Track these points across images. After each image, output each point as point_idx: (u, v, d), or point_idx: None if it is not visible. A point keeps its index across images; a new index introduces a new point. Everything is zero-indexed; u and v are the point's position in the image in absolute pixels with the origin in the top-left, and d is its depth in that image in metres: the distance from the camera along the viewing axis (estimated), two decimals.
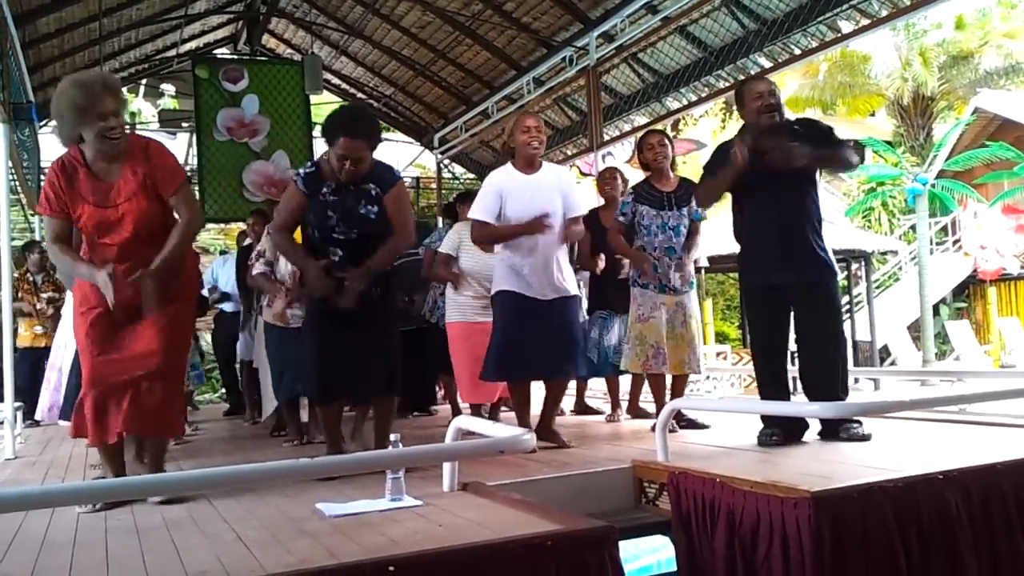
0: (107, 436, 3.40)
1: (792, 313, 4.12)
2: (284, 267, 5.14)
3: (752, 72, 7.70)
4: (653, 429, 4.53)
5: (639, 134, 7.21)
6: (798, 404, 3.91)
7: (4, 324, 5.46)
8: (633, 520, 3.47)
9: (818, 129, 4.08)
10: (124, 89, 3.47)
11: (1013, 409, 4.35)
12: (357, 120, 3.90)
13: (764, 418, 4.09)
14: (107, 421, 3.37)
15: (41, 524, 3.03)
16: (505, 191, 4.38)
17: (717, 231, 9.62)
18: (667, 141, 5.06)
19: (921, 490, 2.86)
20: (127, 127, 3.60)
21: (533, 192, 4.37)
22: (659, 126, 8.68)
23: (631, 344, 4.93)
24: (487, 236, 4.48)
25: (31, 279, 8.15)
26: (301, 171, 4.03)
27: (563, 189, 4.48)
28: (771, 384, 4.13)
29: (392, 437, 3.12)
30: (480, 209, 4.41)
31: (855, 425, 3.93)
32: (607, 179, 5.84)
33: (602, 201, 5.88)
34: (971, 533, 2.87)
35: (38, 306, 8.06)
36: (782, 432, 3.95)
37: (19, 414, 6.12)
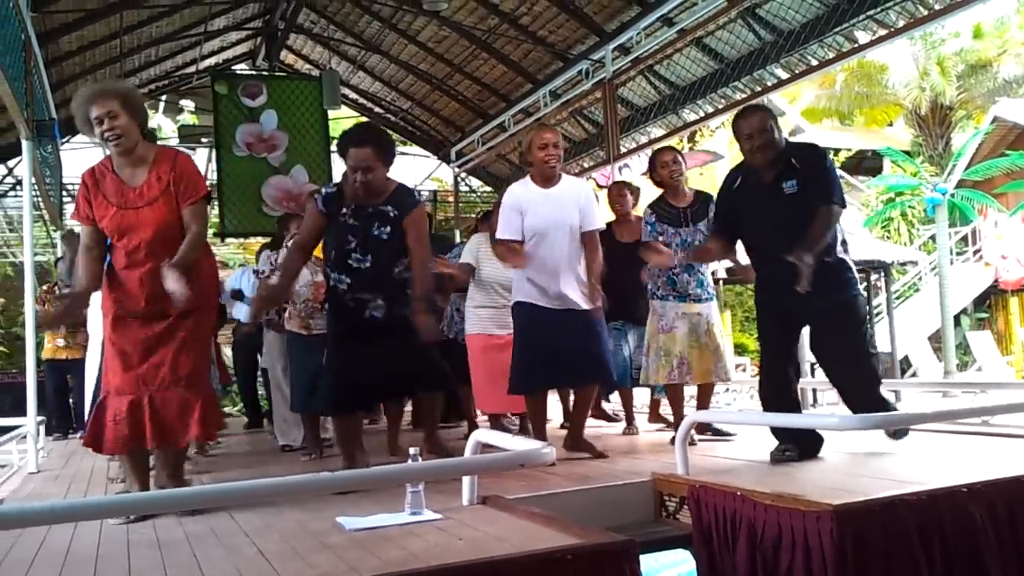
0: (124, 447, 3.44)
1: (810, 330, 4.11)
2: (304, 276, 5.18)
3: (769, 83, 7.69)
4: (672, 441, 4.54)
5: (653, 148, 7.20)
6: (818, 416, 3.88)
7: (29, 339, 5.50)
8: (653, 534, 3.45)
9: (814, 166, 3.92)
10: (142, 96, 3.52)
11: None
12: (362, 130, 4.06)
13: (777, 435, 4.00)
14: (125, 432, 3.40)
15: (64, 538, 3.05)
16: (523, 205, 4.41)
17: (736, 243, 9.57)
18: (680, 158, 5.03)
19: (944, 503, 2.83)
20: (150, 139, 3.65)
21: (551, 206, 4.40)
22: (675, 138, 8.68)
23: (653, 356, 4.88)
24: (512, 263, 4.47)
25: (57, 291, 8.24)
26: (322, 191, 4.10)
27: (580, 203, 4.49)
28: (774, 399, 4.04)
29: (411, 451, 3.12)
30: (503, 228, 4.44)
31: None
32: (616, 195, 5.84)
33: (613, 216, 5.88)
34: (997, 546, 2.84)
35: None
36: (796, 448, 3.88)
37: (42, 428, 6.16)
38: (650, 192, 5.33)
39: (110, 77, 10.27)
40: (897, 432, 4.00)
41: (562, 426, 5.62)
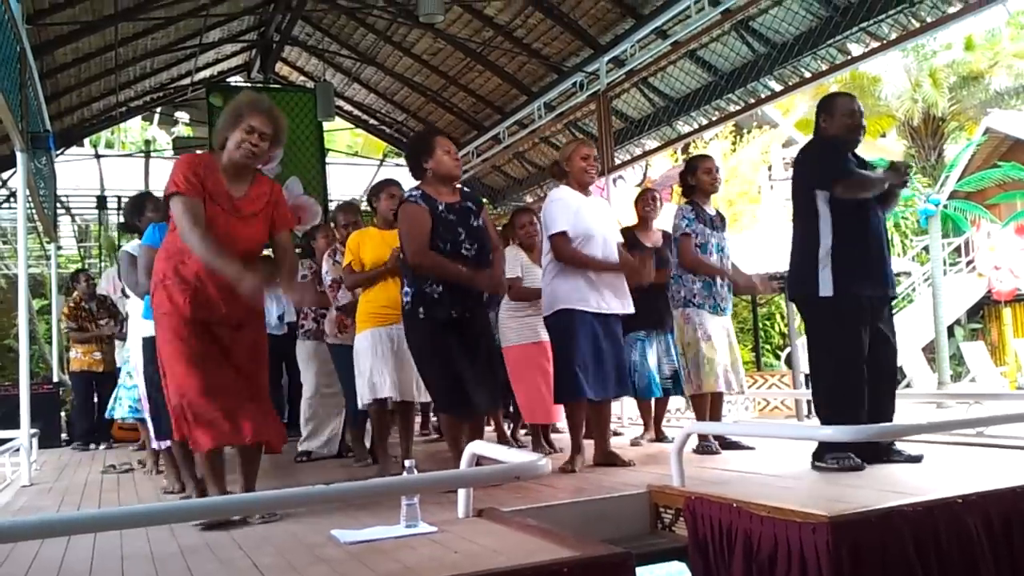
0: (225, 440, 3.45)
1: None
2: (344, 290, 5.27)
3: (763, 95, 7.72)
4: (695, 451, 4.62)
5: (645, 161, 7.24)
6: (810, 428, 3.86)
7: (22, 351, 5.49)
8: (649, 546, 3.44)
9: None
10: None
11: None
12: (434, 126, 4.18)
13: (831, 443, 3.86)
14: (224, 427, 3.39)
15: (57, 552, 3.03)
16: (577, 210, 4.51)
17: (738, 254, 9.58)
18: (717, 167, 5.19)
19: (940, 514, 2.83)
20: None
21: (593, 212, 4.57)
22: (669, 150, 8.70)
23: (699, 364, 4.85)
24: (576, 259, 4.46)
25: (86, 307, 8.28)
26: (414, 193, 4.09)
27: (612, 216, 4.77)
28: (854, 402, 3.87)
29: (407, 463, 3.11)
30: (564, 223, 4.47)
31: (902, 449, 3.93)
32: (648, 200, 5.87)
33: (636, 220, 5.93)
34: (992, 558, 2.84)
35: (101, 330, 8.24)
36: (856, 454, 3.82)
37: (35, 441, 6.13)
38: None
39: (105, 89, 10.28)
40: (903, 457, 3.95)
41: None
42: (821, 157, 4.07)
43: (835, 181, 3.94)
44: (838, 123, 4.06)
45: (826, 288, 3.93)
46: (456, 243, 4.00)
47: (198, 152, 3.58)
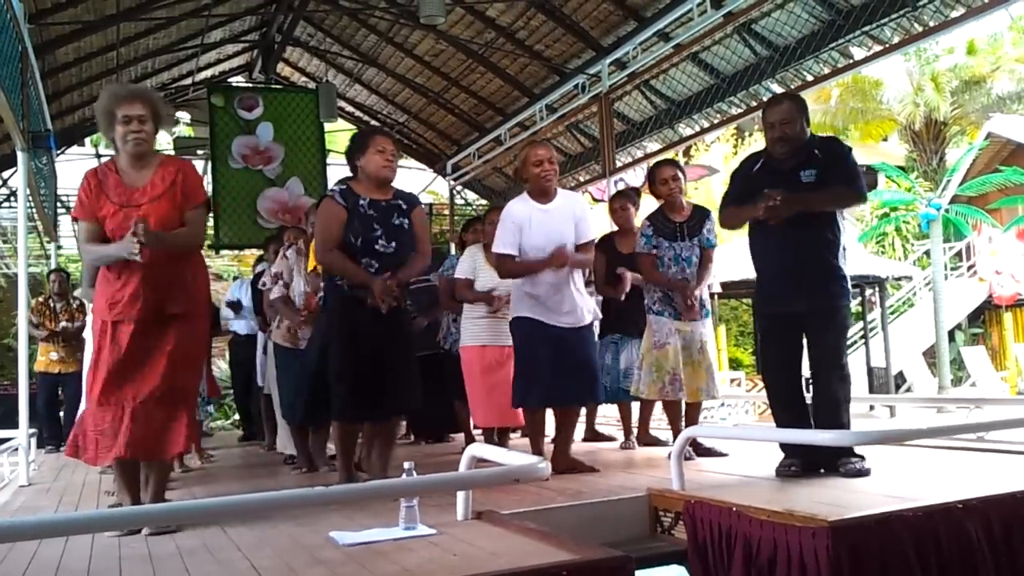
0: (104, 458, 3.42)
1: (805, 340, 4.01)
2: (297, 287, 5.16)
3: (764, 98, 7.71)
4: (670, 457, 4.54)
5: (651, 162, 7.22)
6: (814, 432, 3.81)
7: (21, 351, 5.49)
8: (649, 549, 3.43)
9: (836, 157, 3.96)
10: (167, 106, 3.55)
11: None
12: (380, 126, 4.09)
13: (783, 448, 3.96)
14: (108, 442, 3.37)
15: (55, 552, 3.02)
16: (523, 222, 4.42)
17: (730, 257, 9.59)
18: (680, 173, 5.05)
19: (940, 519, 2.82)
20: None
21: (549, 225, 4.42)
22: (671, 153, 8.70)
23: (646, 371, 4.90)
24: (511, 271, 4.49)
25: (52, 304, 8.28)
26: (336, 188, 4.14)
27: (576, 216, 4.52)
28: (783, 413, 4.01)
29: (406, 465, 3.10)
30: (501, 243, 4.44)
31: (854, 459, 3.74)
32: (618, 208, 5.80)
33: (615, 227, 5.88)
34: (992, 563, 2.83)
35: (57, 328, 8.20)
36: (801, 463, 3.83)
37: (33, 440, 6.13)
38: (650, 203, 5.36)
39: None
40: (848, 470, 3.76)
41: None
42: (729, 180, 4.31)
43: (720, 219, 4.25)
44: (766, 137, 4.05)
45: (756, 302, 4.26)
46: (369, 239, 3.98)
47: (98, 165, 3.59)
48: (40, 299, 8.32)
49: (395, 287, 3.97)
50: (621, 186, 8.85)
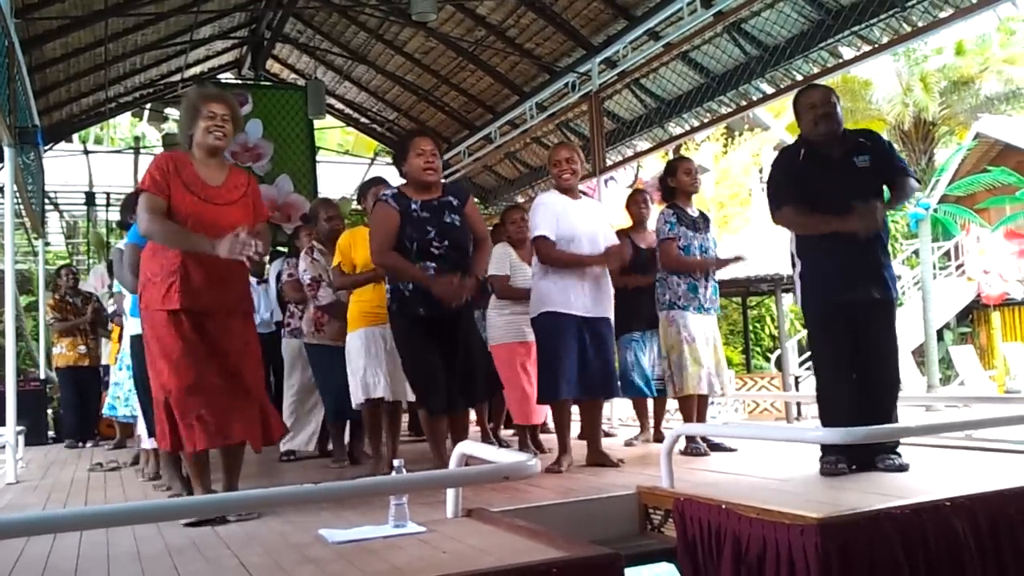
0: (213, 442, 3.43)
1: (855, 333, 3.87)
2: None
3: (754, 98, 7.74)
4: (683, 452, 4.63)
5: (641, 161, 7.24)
6: (802, 430, 3.84)
7: (9, 348, 5.46)
8: (638, 547, 3.44)
9: (884, 146, 3.99)
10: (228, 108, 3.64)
11: (1019, 435, 4.33)
12: (422, 128, 4.11)
13: (827, 447, 3.83)
14: (213, 429, 3.38)
15: (43, 550, 3.01)
16: (559, 212, 4.53)
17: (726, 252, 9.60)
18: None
19: (928, 517, 2.84)
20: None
21: (579, 216, 4.58)
22: (661, 151, 8.71)
23: (679, 367, 4.86)
24: (558, 260, 4.51)
25: (70, 300, 8.28)
26: (386, 193, 4.18)
27: (603, 216, 4.78)
28: (839, 412, 3.80)
29: (396, 463, 3.10)
30: (545, 226, 4.51)
31: (893, 456, 3.78)
32: (639, 202, 5.87)
33: (630, 222, 5.90)
34: (979, 560, 2.85)
35: (81, 326, 8.23)
36: (847, 459, 3.76)
37: (21, 438, 6.10)
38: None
39: (95, 85, 10.23)
40: (888, 465, 3.80)
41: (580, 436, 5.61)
42: (771, 174, 4.14)
43: (773, 216, 4.01)
44: (804, 120, 3.96)
45: (808, 295, 3.99)
46: (424, 242, 4.02)
47: (171, 151, 3.67)
48: (56, 297, 8.30)
49: (462, 284, 3.99)
50: (611, 185, 8.87)
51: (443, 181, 4.26)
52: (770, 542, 2.78)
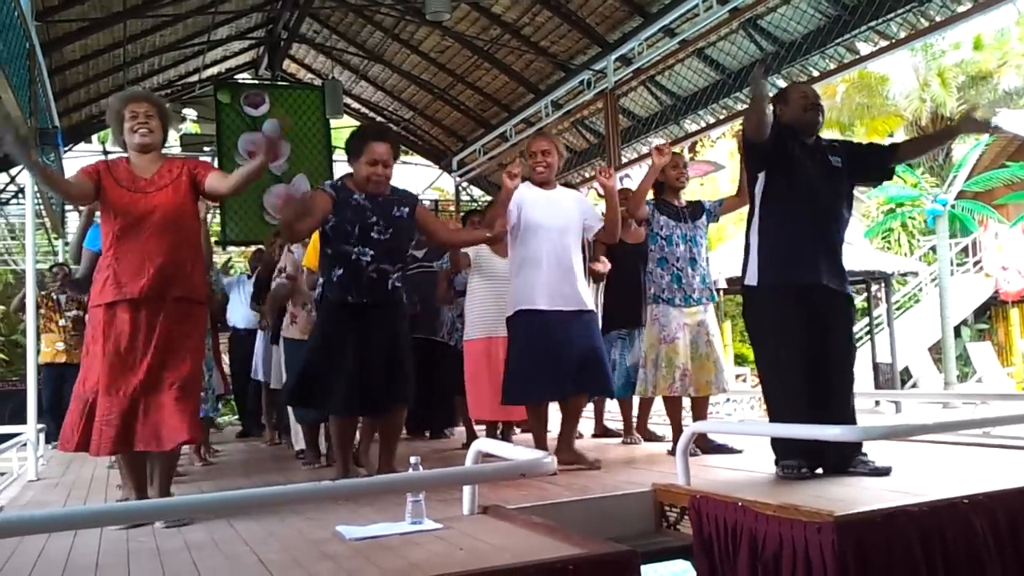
0: (112, 449, 3.43)
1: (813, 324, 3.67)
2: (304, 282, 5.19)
3: (770, 94, 7.71)
4: (670, 452, 4.53)
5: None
6: (823, 427, 3.67)
7: (30, 347, 5.51)
8: (654, 544, 3.44)
9: (852, 145, 4.09)
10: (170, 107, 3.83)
11: None
12: (379, 127, 4.08)
13: (782, 449, 3.72)
14: (112, 434, 3.37)
15: (64, 546, 3.04)
16: (521, 200, 4.47)
17: (735, 252, 9.57)
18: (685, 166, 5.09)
19: (946, 514, 2.83)
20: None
21: (550, 205, 4.52)
22: (676, 148, 8.68)
23: (654, 367, 4.77)
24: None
25: (55, 297, 8.33)
26: (327, 182, 4.19)
27: (582, 207, 4.69)
28: (804, 409, 3.55)
29: (413, 460, 3.11)
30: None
31: (864, 458, 3.64)
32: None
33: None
34: (998, 558, 2.84)
35: (61, 322, 8.26)
36: (808, 462, 3.62)
37: (42, 436, 6.16)
38: None
39: (113, 86, 10.31)
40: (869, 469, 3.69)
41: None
42: None
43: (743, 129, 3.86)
44: (794, 106, 3.90)
45: (751, 277, 3.83)
46: (366, 225, 3.98)
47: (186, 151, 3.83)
48: (43, 294, 8.34)
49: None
50: (627, 182, 8.85)
51: (393, 185, 4.18)
52: (786, 539, 2.78)
